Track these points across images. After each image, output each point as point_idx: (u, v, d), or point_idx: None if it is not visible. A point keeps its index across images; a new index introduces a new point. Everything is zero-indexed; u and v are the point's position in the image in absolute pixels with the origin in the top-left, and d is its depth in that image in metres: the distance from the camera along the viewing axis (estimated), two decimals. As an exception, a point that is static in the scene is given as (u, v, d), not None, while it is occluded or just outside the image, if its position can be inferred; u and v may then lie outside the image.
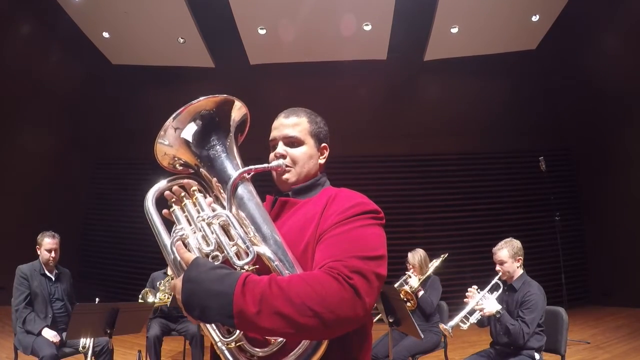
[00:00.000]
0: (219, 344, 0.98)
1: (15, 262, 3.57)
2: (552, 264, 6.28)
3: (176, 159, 1.21)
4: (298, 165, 1.21)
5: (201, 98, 1.15)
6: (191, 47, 7.18)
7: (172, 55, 7.39)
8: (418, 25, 6.88)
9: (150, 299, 3.63)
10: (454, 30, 6.82)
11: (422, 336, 2.80)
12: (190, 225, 1.08)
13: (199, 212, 1.09)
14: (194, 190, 1.14)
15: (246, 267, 0.99)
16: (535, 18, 6.65)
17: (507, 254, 2.87)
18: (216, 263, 0.98)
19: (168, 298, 3.64)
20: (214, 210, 1.09)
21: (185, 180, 1.19)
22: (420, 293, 3.65)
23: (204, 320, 0.93)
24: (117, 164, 8.24)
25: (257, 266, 1.01)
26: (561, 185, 7.52)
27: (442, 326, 2.93)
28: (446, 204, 7.57)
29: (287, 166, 1.21)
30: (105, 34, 7.00)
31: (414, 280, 3.71)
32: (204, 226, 1.05)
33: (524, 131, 7.76)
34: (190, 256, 0.98)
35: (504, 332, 2.66)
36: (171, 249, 1.03)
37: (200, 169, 1.19)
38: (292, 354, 0.96)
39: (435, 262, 3.88)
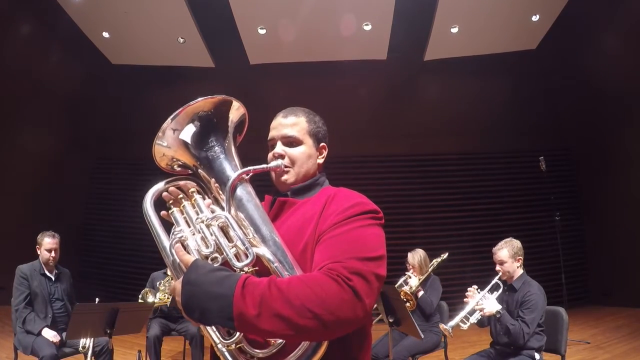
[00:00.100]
0: (219, 345, 0.98)
1: (15, 262, 3.57)
2: (552, 264, 6.28)
3: (174, 160, 1.20)
4: (296, 165, 1.21)
5: (199, 99, 1.14)
6: (191, 47, 7.17)
7: (172, 55, 7.39)
8: (418, 25, 6.88)
9: (150, 299, 3.63)
10: (454, 30, 6.82)
11: (422, 336, 2.80)
12: (189, 227, 1.07)
13: (197, 214, 1.09)
14: (192, 192, 1.14)
15: (245, 268, 0.99)
16: (535, 18, 6.64)
17: (507, 254, 2.87)
18: (215, 265, 0.98)
19: (168, 298, 3.64)
20: (212, 212, 1.08)
21: (183, 182, 1.18)
22: (420, 293, 3.64)
23: (204, 322, 0.93)
24: (117, 164, 8.24)
25: (256, 268, 1.01)
26: (561, 185, 7.52)
27: (442, 326, 2.92)
28: (446, 204, 7.56)
29: (285, 166, 1.20)
30: (105, 34, 7.00)
31: (413, 281, 3.70)
32: (202, 228, 1.05)
33: (524, 131, 7.76)
34: (190, 258, 0.98)
35: (504, 332, 2.66)
36: (170, 251, 1.02)
37: (199, 170, 1.19)
38: (292, 355, 0.96)
39: (436, 262, 3.88)
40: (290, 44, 7.03)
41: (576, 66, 7.42)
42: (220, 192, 1.14)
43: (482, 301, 2.77)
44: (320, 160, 1.27)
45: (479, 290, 2.84)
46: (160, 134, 1.14)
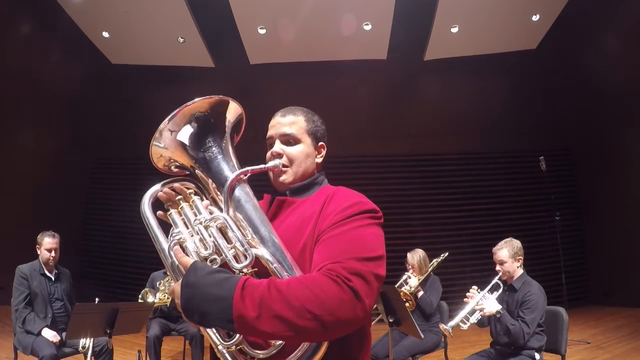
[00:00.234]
0: (220, 347, 0.98)
1: (15, 262, 3.57)
2: (552, 264, 6.28)
3: (172, 161, 1.20)
4: (295, 164, 1.20)
5: (196, 99, 1.13)
6: (191, 47, 7.17)
7: (172, 55, 7.38)
8: (418, 25, 6.87)
9: (150, 299, 3.63)
10: (454, 30, 6.81)
11: (422, 336, 2.80)
12: (188, 228, 1.07)
13: (196, 215, 1.08)
14: (190, 193, 1.13)
15: (245, 270, 0.99)
16: (535, 18, 6.64)
17: (507, 254, 2.87)
18: (214, 267, 0.97)
19: (168, 298, 3.64)
20: (211, 213, 1.07)
21: (180, 184, 1.16)
22: (420, 293, 3.64)
23: (203, 324, 0.92)
24: (117, 164, 8.24)
25: (255, 269, 1.01)
26: (561, 185, 7.52)
27: (442, 326, 2.92)
28: (446, 203, 7.56)
29: (283, 165, 1.19)
30: (105, 34, 7.00)
31: (413, 281, 3.70)
32: (201, 229, 1.04)
33: (524, 131, 7.76)
34: (189, 260, 0.97)
35: (504, 332, 2.66)
36: (169, 253, 1.02)
37: (196, 171, 1.18)
38: (292, 355, 0.96)
39: (435, 262, 3.88)
40: (290, 43, 7.02)
41: (576, 66, 7.42)
42: (218, 192, 1.14)
43: (482, 301, 2.76)
44: (319, 160, 1.26)
45: (479, 290, 2.84)
46: (157, 134, 1.13)
